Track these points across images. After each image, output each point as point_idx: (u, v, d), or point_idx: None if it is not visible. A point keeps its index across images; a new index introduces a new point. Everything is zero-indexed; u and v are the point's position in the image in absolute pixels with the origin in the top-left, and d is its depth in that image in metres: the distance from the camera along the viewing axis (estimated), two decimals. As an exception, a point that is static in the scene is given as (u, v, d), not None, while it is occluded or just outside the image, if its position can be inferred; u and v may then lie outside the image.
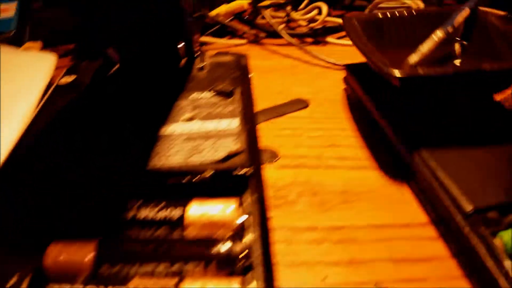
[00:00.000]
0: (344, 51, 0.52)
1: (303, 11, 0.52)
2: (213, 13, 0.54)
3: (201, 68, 0.34)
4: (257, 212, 0.22)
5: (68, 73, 0.37)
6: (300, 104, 0.40)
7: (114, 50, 0.34)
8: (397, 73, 0.27)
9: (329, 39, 0.52)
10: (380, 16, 0.38)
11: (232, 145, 0.26)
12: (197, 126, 0.28)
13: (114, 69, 0.36)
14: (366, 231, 0.27)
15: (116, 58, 0.35)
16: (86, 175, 0.25)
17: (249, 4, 0.52)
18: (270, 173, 0.32)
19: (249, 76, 0.35)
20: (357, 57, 0.34)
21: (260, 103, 0.40)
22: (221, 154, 0.25)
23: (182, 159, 0.26)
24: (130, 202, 0.24)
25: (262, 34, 0.52)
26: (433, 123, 0.30)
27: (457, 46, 0.37)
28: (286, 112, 0.39)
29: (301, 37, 0.53)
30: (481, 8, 0.37)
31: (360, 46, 0.31)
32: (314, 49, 0.51)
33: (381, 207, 0.29)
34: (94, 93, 0.33)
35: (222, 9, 0.54)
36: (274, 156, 0.34)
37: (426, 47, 0.33)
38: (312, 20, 0.52)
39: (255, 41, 0.54)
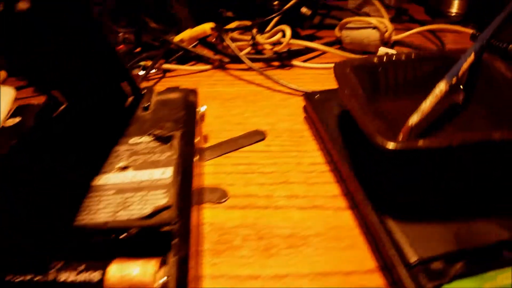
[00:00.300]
0: (311, 74, 0.50)
1: (267, 35, 0.51)
2: (177, 38, 0.53)
3: (146, 108, 0.33)
4: (178, 275, 0.21)
5: (14, 114, 0.36)
6: (257, 136, 0.39)
7: (57, 92, 0.33)
8: (390, 145, 0.24)
9: (295, 62, 0.51)
10: (375, 60, 0.35)
11: (161, 198, 0.25)
12: (130, 176, 0.27)
13: (60, 109, 0.35)
14: (310, 280, 0.26)
15: (62, 99, 0.34)
16: (8, 231, 0.24)
17: (212, 29, 0.51)
18: (217, 214, 0.31)
19: (197, 113, 0.34)
20: (323, 81, 0.33)
21: (217, 136, 0.39)
22: (148, 210, 0.24)
23: (109, 214, 0.25)
24: (51, 263, 0.23)
25: (226, 59, 0.51)
26: (406, 187, 0.28)
27: (460, 96, 0.35)
28: (242, 145, 0.38)
29: (266, 61, 0.51)
30: (486, 54, 0.34)
31: (351, 105, 0.28)
32: (279, 73, 0.50)
33: (329, 252, 0.27)
34: (33, 138, 0.31)
35: (186, 34, 0.53)
36: (223, 195, 0.33)
37: (428, 104, 0.29)
38: (278, 43, 0.50)
39: (220, 66, 0.52)
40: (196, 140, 0.31)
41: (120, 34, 0.56)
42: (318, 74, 0.50)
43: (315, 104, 0.38)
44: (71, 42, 0.28)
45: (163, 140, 0.29)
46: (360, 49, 0.53)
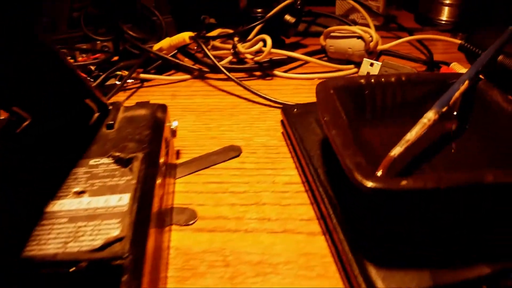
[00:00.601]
0: (293, 85, 0.49)
1: (248, 44, 0.49)
2: (156, 47, 0.51)
3: (110, 126, 0.31)
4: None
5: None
6: (231, 152, 0.37)
7: (18, 108, 0.31)
8: (369, 183, 0.21)
9: (277, 72, 0.49)
10: (362, 82, 0.32)
11: (114, 229, 0.23)
12: (85, 202, 0.25)
13: (23, 125, 0.33)
14: (277, 313, 0.24)
15: (24, 115, 0.33)
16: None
17: (191, 37, 0.49)
18: (184, 237, 0.29)
19: (168, 129, 0.32)
20: (305, 93, 0.31)
21: (191, 151, 0.38)
22: (99, 241, 0.22)
23: (60, 245, 0.23)
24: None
25: (206, 69, 0.49)
26: (385, 224, 0.26)
27: (453, 124, 0.32)
28: (215, 162, 0.36)
29: (247, 71, 0.50)
30: (483, 80, 0.32)
31: (330, 134, 0.26)
32: (260, 83, 0.48)
33: (298, 281, 0.26)
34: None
35: (165, 42, 0.51)
36: (191, 217, 0.31)
37: (413, 134, 0.26)
38: (260, 53, 0.49)
39: (200, 76, 0.51)
40: (161, 160, 0.29)
41: (98, 42, 0.54)
42: (300, 84, 0.49)
43: (293, 119, 0.36)
44: (21, 61, 0.27)
45: (123, 162, 0.28)
46: (344, 58, 0.51)
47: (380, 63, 0.44)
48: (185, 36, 0.49)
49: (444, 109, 0.28)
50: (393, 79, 0.32)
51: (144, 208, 0.25)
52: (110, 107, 0.33)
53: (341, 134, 0.25)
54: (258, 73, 0.51)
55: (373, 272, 0.23)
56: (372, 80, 0.32)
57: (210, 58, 0.46)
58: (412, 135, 0.27)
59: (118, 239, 0.22)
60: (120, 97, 0.48)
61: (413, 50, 0.58)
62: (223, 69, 0.45)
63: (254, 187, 0.33)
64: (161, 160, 0.29)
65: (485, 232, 0.25)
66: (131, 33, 0.52)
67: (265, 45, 0.48)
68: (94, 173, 0.27)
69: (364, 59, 0.45)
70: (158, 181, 0.28)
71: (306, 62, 0.51)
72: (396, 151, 0.26)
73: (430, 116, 0.28)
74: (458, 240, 0.24)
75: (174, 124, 0.36)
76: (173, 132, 0.36)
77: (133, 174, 0.27)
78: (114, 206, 0.25)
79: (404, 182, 0.21)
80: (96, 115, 0.33)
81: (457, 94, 0.29)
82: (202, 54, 0.52)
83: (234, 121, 0.42)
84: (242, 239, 0.29)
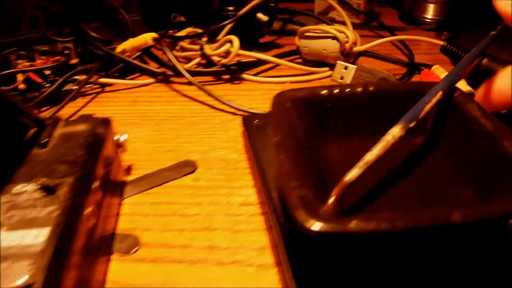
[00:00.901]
0: (262, 89, 0.45)
1: (216, 45, 0.46)
2: (119, 48, 0.48)
3: (44, 145, 0.28)
4: None
5: None
6: (186, 168, 0.34)
7: None
8: (312, 225, 0.18)
9: (246, 75, 0.46)
10: (325, 93, 0.28)
11: (24, 273, 0.20)
12: (1, 239, 0.22)
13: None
14: None
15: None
16: None
17: (154, 39, 0.45)
18: (124, 269, 0.26)
19: (106, 148, 0.29)
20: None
21: (144, 166, 0.34)
22: (3, 289, 0.19)
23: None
24: None
25: (170, 72, 0.46)
26: (333, 267, 0.22)
27: (424, 142, 0.29)
28: (167, 179, 0.33)
29: (215, 74, 0.46)
30: (460, 92, 0.28)
31: (279, 159, 0.22)
32: (226, 88, 0.45)
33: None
34: None
35: (128, 44, 0.47)
36: (134, 245, 0.28)
37: (374, 153, 0.23)
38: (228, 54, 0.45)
39: (165, 80, 0.47)
40: (95, 185, 0.26)
41: (59, 44, 0.51)
42: (270, 89, 0.45)
43: (253, 131, 0.33)
44: None
45: (49, 189, 0.24)
46: (319, 60, 0.47)
47: (354, 67, 0.41)
48: (147, 37, 0.46)
49: (411, 124, 0.25)
50: (359, 89, 0.29)
51: (64, 245, 0.21)
52: (49, 121, 0.30)
53: (290, 160, 0.22)
54: (226, 77, 0.47)
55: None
56: (336, 91, 0.28)
57: (171, 61, 0.43)
58: (372, 155, 0.23)
59: (26, 287, 0.19)
60: (78, 103, 0.45)
61: (395, 51, 0.55)
62: (185, 72, 0.42)
63: (206, 209, 0.30)
64: (96, 184, 0.26)
65: (452, 262, 0.22)
66: (92, 33, 0.48)
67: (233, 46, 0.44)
68: (16, 202, 0.24)
69: (338, 62, 0.42)
70: (89, 209, 0.24)
71: (278, 64, 0.47)
72: (352, 175, 0.22)
73: (395, 132, 0.24)
74: (423, 272, 0.21)
75: (123, 137, 0.32)
76: (121, 147, 0.32)
77: (58, 204, 0.23)
78: (29, 244, 0.21)
79: (353, 224, 0.18)
80: (32, 131, 0.30)
81: (427, 107, 0.26)
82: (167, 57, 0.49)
83: (193, 131, 0.38)
84: (186, 271, 0.26)
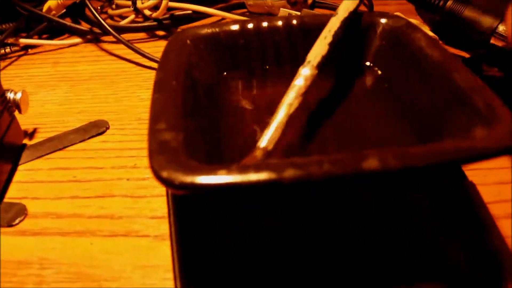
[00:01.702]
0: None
1: (148, -3, 0.41)
2: (45, 7, 0.43)
3: None
4: None
5: None
6: (95, 129, 0.29)
7: None
8: (171, 176, 0.14)
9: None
10: (236, 28, 0.24)
11: None
12: None
13: None
14: None
15: None
16: None
17: (77, -8, 0.40)
18: (3, 243, 0.22)
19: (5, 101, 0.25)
20: None
21: (51, 130, 0.30)
22: None
23: None
24: None
25: (98, 31, 0.41)
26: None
27: (368, 81, 0.24)
28: (72, 142, 0.29)
29: (146, 30, 0.41)
30: (405, 22, 0.23)
31: (152, 98, 0.18)
32: (159, 45, 0.40)
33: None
34: None
35: (53, 2, 0.42)
36: (18, 214, 0.24)
37: (283, 114, 0.18)
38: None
39: (95, 39, 0.42)
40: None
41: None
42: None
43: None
44: None
45: None
46: (265, 12, 0.42)
47: (298, 13, 0.36)
48: (70, -8, 0.40)
49: (317, 61, 0.20)
50: (280, 23, 0.24)
51: None
52: None
53: (164, 100, 0.17)
54: (161, 33, 0.42)
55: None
56: (250, 26, 0.23)
57: (96, 17, 0.37)
58: (281, 117, 0.18)
59: None
60: (-4, 67, 0.40)
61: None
62: (109, 28, 0.37)
63: (108, 174, 0.26)
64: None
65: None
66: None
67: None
68: None
69: (281, 9, 0.37)
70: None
71: (222, 18, 0.42)
72: (263, 144, 0.17)
73: (305, 73, 0.20)
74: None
75: (18, 96, 0.28)
76: (17, 106, 0.28)
77: None
78: None
79: (221, 174, 0.13)
80: None
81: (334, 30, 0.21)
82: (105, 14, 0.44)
83: (112, 90, 0.34)
84: (70, 245, 0.22)
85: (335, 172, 0.13)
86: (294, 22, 0.24)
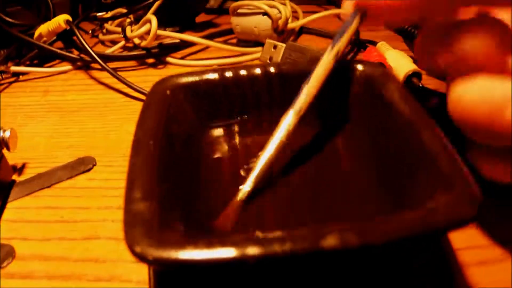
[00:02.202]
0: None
1: (137, 26, 0.41)
2: (36, 33, 0.43)
3: None
4: None
5: None
6: (81, 166, 0.30)
7: None
8: (141, 251, 0.14)
9: (170, 59, 0.42)
10: (215, 77, 0.24)
11: None
12: None
13: None
14: None
15: None
16: None
17: (67, 22, 0.41)
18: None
19: None
20: None
21: (40, 165, 0.31)
22: None
23: None
24: None
25: (88, 58, 0.41)
26: None
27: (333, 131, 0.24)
28: (60, 179, 0.29)
29: (135, 58, 0.42)
30: (381, 70, 0.23)
31: (129, 162, 0.18)
32: (148, 73, 0.41)
33: None
34: None
35: (44, 28, 0.43)
36: (6, 257, 0.24)
37: (267, 157, 0.20)
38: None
39: (85, 66, 0.43)
40: None
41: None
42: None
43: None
44: None
45: None
46: (252, 40, 0.43)
47: (283, 45, 0.37)
48: (60, 20, 0.41)
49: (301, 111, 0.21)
50: (258, 71, 0.25)
51: None
52: None
53: (141, 165, 0.18)
54: (151, 61, 0.43)
55: None
56: (228, 74, 0.24)
57: (83, 45, 0.38)
58: (265, 158, 0.19)
59: None
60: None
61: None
62: (96, 57, 0.38)
63: (94, 214, 0.26)
64: None
65: None
66: (4, 17, 0.44)
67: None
68: None
69: (267, 40, 0.38)
70: None
71: (208, 46, 0.43)
72: (244, 193, 0.18)
73: (288, 121, 0.21)
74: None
75: (7, 134, 0.28)
76: (5, 145, 0.29)
77: None
78: None
79: (185, 251, 0.14)
80: None
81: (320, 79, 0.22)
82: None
83: (100, 123, 0.34)
84: (55, 290, 0.22)
85: (296, 249, 0.14)
86: (272, 70, 0.25)
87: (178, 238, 0.15)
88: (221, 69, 0.25)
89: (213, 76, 0.24)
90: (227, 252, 0.14)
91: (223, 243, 0.14)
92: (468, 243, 0.23)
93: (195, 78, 0.24)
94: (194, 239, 0.15)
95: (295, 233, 0.14)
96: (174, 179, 0.19)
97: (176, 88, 0.23)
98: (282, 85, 0.25)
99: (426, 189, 0.17)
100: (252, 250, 0.14)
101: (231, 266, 0.14)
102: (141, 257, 0.14)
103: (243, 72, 0.25)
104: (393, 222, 0.15)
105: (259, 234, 0.14)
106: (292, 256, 0.14)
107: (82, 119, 0.35)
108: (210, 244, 0.14)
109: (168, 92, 0.23)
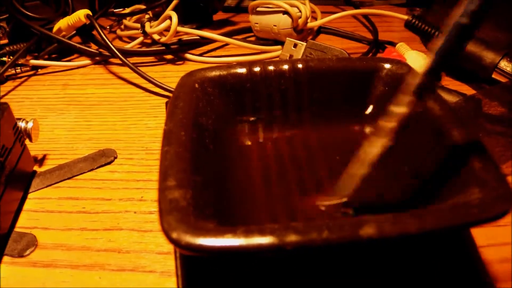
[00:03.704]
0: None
1: (157, 22, 0.42)
2: (56, 27, 0.44)
3: None
4: None
5: None
6: (103, 158, 0.30)
7: None
8: (177, 237, 0.14)
9: (188, 55, 0.42)
10: (243, 72, 0.24)
11: None
12: None
13: None
14: None
15: None
16: None
17: (87, 16, 0.41)
18: (14, 274, 0.23)
19: (19, 130, 0.26)
20: None
21: (61, 157, 0.31)
22: None
23: None
24: None
25: (106, 53, 0.42)
26: None
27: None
28: (81, 171, 0.29)
29: (155, 54, 0.42)
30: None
31: (161, 150, 0.18)
32: (167, 69, 0.41)
33: None
34: None
35: (63, 22, 0.43)
36: (29, 245, 0.24)
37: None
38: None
39: (104, 61, 0.43)
40: None
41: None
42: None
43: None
44: None
45: None
46: (271, 38, 0.43)
47: (304, 44, 0.37)
48: (80, 14, 0.42)
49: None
50: (286, 67, 0.25)
51: None
52: None
53: (173, 154, 0.18)
54: (169, 57, 0.43)
55: None
56: (256, 70, 0.24)
57: (104, 40, 0.38)
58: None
59: None
60: (7, 87, 0.41)
61: (361, 28, 0.50)
62: (116, 51, 0.38)
63: (116, 206, 0.26)
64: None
65: None
66: (24, 11, 0.44)
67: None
68: None
69: (287, 39, 0.38)
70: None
71: (227, 44, 0.43)
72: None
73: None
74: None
75: (29, 125, 0.29)
76: (28, 135, 0.29)
77: None
78: None
79: (229, 235, 0.14)
80: None
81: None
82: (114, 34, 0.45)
83: (121, 117, 0.34)
84: (79, 279, 0.23)
85: (334, 239, 0.14)
86: (300, 66, 0.25)
87: (215, 225, 0.15)
88: (249, 64, 0.25)
89: (241, 70, 0.24)
90: (266, 240, 0.14)
91: (262, 231, 0.14)
92: (490, 240, 0.23)
93: (223, 72, 0.24)
94: (231, 227, 0.15)
95: (333, 222, 0.14)
96: (206, 170, 0.19)
97: (205, 81, 0.23)
98: (310, 81, 0.25)
99: (458, 185, 0.17)
100: (290, 238, 0.14)
101: (269, 254, 0.14)
102: (177, 244, 0.14)
103: (271, 68, 0.25)
104: (428, 213, 0.15)
105: (297, 224, 0.14)
106: (330, 245, 0.14)
107: (102, 112, 0.36)
108: (248, 232, 0.14)
109: (196, 85, 0.23)
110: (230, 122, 0.24)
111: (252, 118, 0.24)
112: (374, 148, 0.18)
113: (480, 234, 0.21)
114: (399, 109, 0.17)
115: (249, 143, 0.24)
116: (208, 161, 0.19)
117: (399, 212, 0.15)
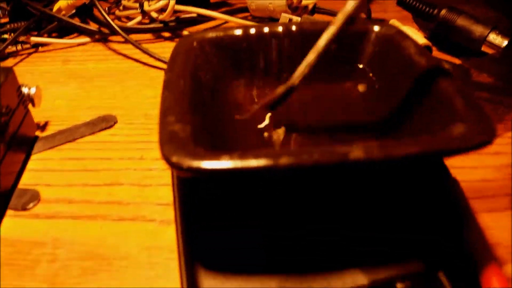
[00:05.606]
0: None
1: (155, 1, 0.43)
2: (56, 7, 0.45)
3: None
4: None
5: None
6: (103, 123, 0.31)
7: None
8: (180, 160, 0.15)
9: (186, 32, 0.43)
10: (239, 33, 0.25)
11: None
12: None
13: None
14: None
15: None
16: None
17: (87, -6, 0.42)
18: (17, 225, 0.24)
19: (21, 95, 0.27)
20: None
21: (62, 123, 0.32)
22: None
23: None
24: None
25: (106, 31, 0.42)
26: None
27: (361, 86, 0.25)
28: (82, 135, 0.30)
29: (153, 31, 0.43)
30: (396, 30, 0.25)
31: (162, 96, 0.20)
32: (164, 46, 0.42)
33: (128, 282, 0.21)
34: None
35: (63, 2, 0.44)
36: (31, 200, 0.25)
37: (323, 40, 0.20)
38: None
39: (103, 39, 0.44)
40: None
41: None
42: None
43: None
44: None
45: None
46: (267, 16, 0.44)
47: (299, 18, 0.38)
48: (80, -7, 0.42)
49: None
50: (280, 28, 0.26)
51: None
52: None
53: (172, 98, 0.19)
54: (167, 35, 0.44)
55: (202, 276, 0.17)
56: (252, 31, 0.25)
57: (105, 18, 0.39)
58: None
59: None
60: (8, 63, 0.42)
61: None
62: (118, 29, 0.39)
63: (116, 164, 0.27)
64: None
65: (357, 229, 0.19)
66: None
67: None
68: None
69: (282, 14, 0.39)
70: None
71: (226, 21, 0.44)
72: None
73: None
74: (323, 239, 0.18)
75: (32, 91, 0.29)
76: (31, 100, 0.30)
77: None
78: None
79: (226, 158, 0.15)
80: None
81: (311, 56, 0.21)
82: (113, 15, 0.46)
83: (120, 88, 0.35)
84: (81, 228, 0.23)
85: (324, 160, 0.15)
86: (294, 28, 0.26)
87: (212, 151, 0.16)
88: (245, 26, 0.26)
89: (238, 32, 0.25)
90: (260, 162, 0.15)
91: (257, 155, 0.15)
92: (480, 193, 0.24)
93: (220, 33, 0.25)
94: (226, 152, 0.16)
95: (323, 147, 0.15)
96: (203, 115, 0.20)
97: (203, 41, 0.24)
98: (303, 41, 0.26)
99: (443, 123, 0.18)
100: (283, 160, 0.15)
101: (262, 175, 0.15)
102: (177, 166, 0.15)
103: (266, 30, 0.26)
104: (413, 140, 0.16)
105: (290, 149, 0.15)
106: (320, 166, 0.15)
107: (102, 84, 0.36)
108: (243, 155, 0.15)
109: (195, 43, 0.24)
110: (227, 79, 0.25)
111: (248, 76, 0.25)
112: (324, 36, 0.20)
113: (470, 187, 0.23)
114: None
115: (245, 99, 0.25)
116: (205, 109, 0.20)
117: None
